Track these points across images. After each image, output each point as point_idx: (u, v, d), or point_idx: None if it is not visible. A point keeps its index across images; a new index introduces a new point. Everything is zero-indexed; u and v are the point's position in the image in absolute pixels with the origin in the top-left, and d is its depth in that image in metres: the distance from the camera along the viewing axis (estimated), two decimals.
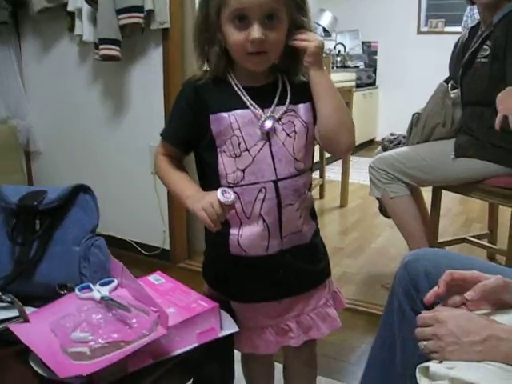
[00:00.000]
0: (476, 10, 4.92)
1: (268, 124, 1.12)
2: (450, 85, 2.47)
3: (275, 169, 1.14)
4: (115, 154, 2.84)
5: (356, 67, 5.96)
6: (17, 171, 3.03)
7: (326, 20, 5.80)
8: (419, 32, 6.16)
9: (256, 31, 1.04)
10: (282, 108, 1.15)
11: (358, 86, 5.60)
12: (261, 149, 1.13)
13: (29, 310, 1.18)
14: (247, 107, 1.13)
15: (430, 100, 2.48)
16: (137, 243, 2.84)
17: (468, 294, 1.01)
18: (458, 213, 3.73)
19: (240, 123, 1.12)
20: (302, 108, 1.17)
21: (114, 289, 1.22)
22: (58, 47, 2.89)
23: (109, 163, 2.87)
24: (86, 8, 2.54)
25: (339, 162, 4.22)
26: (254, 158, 1.13)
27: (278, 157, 1.14)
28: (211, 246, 1.30)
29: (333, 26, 5.90)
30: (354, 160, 4.93)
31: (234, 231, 1.18)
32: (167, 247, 2.78)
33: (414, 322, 1.23)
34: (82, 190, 1.35)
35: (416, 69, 5.77)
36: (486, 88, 2.21)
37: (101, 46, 2.44)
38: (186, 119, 1.17)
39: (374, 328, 2.15)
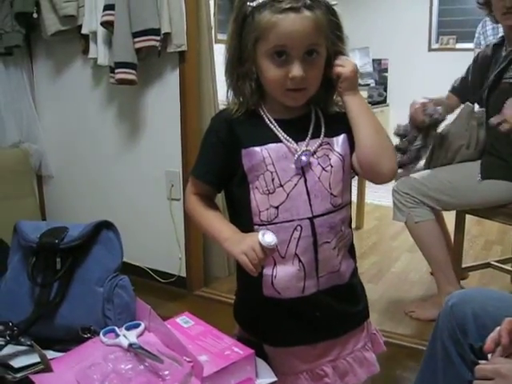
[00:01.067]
0: (489, 27, 4.93)
1: (304, 159, 1.07)
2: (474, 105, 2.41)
3: (311, 205, 1.09)
4: (130, 179, 2.78)
5: (367, 85, 5.91)
6: (29, 195, 2.97)
7: None
8: (430, 49, 6.11)
9: (297, 69, 1.02)
10: (317, 141, 1.10)
11: (369, 103, 5.55)
12: (296, 184, 1.08)
13: (49, 354, 1.11)
14: (280, 141, 1.09)
15: (454, 121, 2.42)
16: (152, 270, 2.77)
17: None
18: (477, 234, 3.65)
19: (273, 158, 1.08)
20: (337, 140, 1.12)
21: (141, 333, 1.15)
22: (71, 70, 2.85)
23: (124, 188, 2.82)
24: (101, 31, 2.50)
25: (354, 182, 4.15)
26: (288, 194, 1.08)
27: (313, 192, 1.09)
28: (243, 286, 1.24)
29: None
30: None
31: (267, 272, 1.12)
32: (183, 274, 2.71)
33: (461, 368, 1.16)
34: (104, 226, 1.28)
35: (427, 86, 5.67)
36: None
37: (117, 70, 2.39)
38: (218, 154, 1.13)
39: (402, 360, 2.09)
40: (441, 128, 2.43)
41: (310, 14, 1.01)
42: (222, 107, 2.98)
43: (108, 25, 2.42)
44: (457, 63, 5.69)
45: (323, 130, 1.11)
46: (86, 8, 2.56)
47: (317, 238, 1.09)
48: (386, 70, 6.19)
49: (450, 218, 2.54)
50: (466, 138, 2.35)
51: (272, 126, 1.10)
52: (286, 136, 1.09)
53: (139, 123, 2.68)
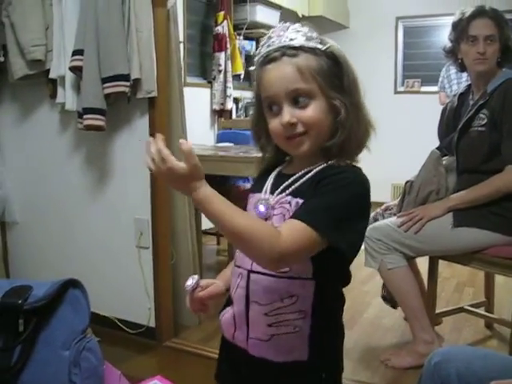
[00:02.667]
0: (452, 71, 5.07)
1: (261, 208, 1.07)
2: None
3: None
4: (97, 226, 2.70)
5: None
6: None
7: None
8: (396, 92, 6.25)
9: (284, 115, 1.02)
10: (284, 197, 1.06)
11: None
12: None
13: None
14: (260, 191, 1.11)
15: (422, 168, 2.44)
16: (120, 320, 2.67)
17: None
18: (448, 276, 3.64)
19: (251, 204, 1.11)
20: (297, 203, 1.03)
21: None
22: (38, 114, 2.79)
23: (90, 236, 2.73)
24: (69, 75, 2.46)
25: None
26: None
27: None
28: None
29: None
30: None
31: (225, 309, 1.15)
32: (152, 325, 2.61)
33: None
34: (71, 285, 1.21)
35: (393, 127, 5.81)
36: (486, 156, 2.21)
37: (85, 116, 2.34)
38: None
39: None
40: (410, 177, 2.45)
41: (289, 59, 1.02)
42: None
43: (76, 70, 2.38)
44: (422, 105, 5.87)
45: (294, 187, 1.06)
46: (55, 52, 2.53)
47: (249, 293, 1.06)
48: None
49: (422, 262, 2.52)
50: (434, 184, 2.36)
51: (269, 176, 1.12)
52: (268, 187, 1.10)
53: (107, 170, 2.62)
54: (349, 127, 1.03)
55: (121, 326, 2.66)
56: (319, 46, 1.03)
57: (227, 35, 4.84)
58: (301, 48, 1.02)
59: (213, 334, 2.70)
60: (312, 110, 1.02)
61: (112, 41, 2.30)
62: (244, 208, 1.11)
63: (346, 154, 1.05)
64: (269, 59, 1.03)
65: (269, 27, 5.23)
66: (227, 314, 1.12)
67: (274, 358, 1.05)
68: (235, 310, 1.09)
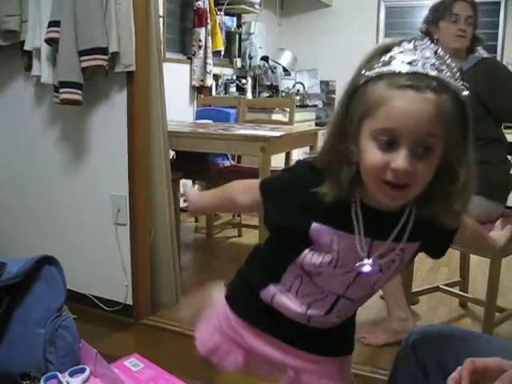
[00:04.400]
0: None
1: (366, 269, 0.99)
2: None
3: (347, 289, 1.06)
4: (74, 202, 2.66)
5: (314, 106, 5.97)
6: None
7: (285, 59, 5.82)
8: None
9: (402, 160, 0.84)
10: (392, 246, 0.99)
11: (316, 124, 5.62)
12: (346, 272, 1.02)
13: None
14: (353, 233, 0.97)
15: None
16: (97, 298, 2.64)
17: None
18: (423, 256, 3.63)
19: (341, 247, 0.98)
20: (410, 247, 1.01)
21: (87, 379, 1.07)
22: (12, 88, 2.72)
23: (67, 212, 2.69)
24: (44, 48, 2.39)
25: None
26: (333, 275, 1.03)
27: (356, 283, 1.04)
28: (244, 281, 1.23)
29: (292, 66, 5.92)
30: None
31: (272, 289, 1.11)
32: (130, 302, 2.59)
33: None
34: (46, 261, 1.19)
35: None
36: None
37: (61, 90, 2.29)
38: (289, 216, 1.01)
39: None
40: None
41: (433, 96, 0.84)
42: (169, 128, 2.87)
43: (52, 42, 2.32)
44: None
45: (406, 236, 0.98)
46: (30, 23, 2.45)
47: (333, 308, 1.09)
48: (333, 92, 6.28)
49: None
50: None
51: (353, 216, 0.96)
52: (362, 229, 0.96)
53: (84, 145, 2.58)
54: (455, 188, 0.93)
55: (97, 303, 2.64)
56: (461, 91, 0.88)
57: (208, 10, 4.76)
58: (446, 86, 0.86)
59: None
60: (430, 167, 0.88)
61: (90, 12, 2.24)
62: (310, 238, 0.99)
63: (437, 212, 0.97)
64: (407, 84, 0.84)
65: (250, 3, 5.19)
66: (284, 302, 1.10)
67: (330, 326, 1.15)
68: (309, 313, 1.10)
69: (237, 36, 5.60)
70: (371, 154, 0.87)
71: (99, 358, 1.06)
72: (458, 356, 1.07)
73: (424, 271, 3.43)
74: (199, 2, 4.71)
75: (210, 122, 3.78)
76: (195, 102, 4.93)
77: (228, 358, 1.22)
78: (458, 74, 0.89)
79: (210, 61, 4.87)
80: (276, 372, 1.23)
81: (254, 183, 1.08)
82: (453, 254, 3.43)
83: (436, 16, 2.40)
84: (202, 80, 4.88)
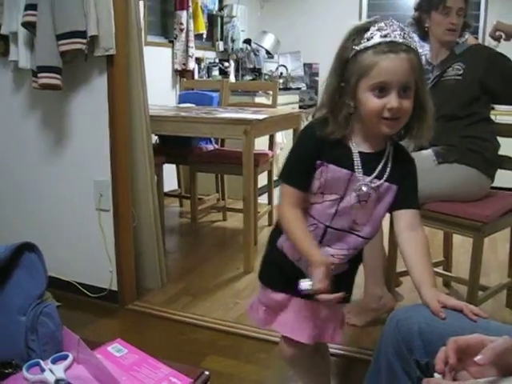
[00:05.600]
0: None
1: (364, 188, 1.31)
2: None
3: (332, 219, 1.34)
4: (56, 188, 2.63)
5: (298, 89, 5.95)
6: None
7: (268, 42, 5.77)
8: None
9: (394, 101, 1.21)
10: (374, 182, 1.32)
11: (300, 107, 5.61)
12: (331, 200, 1.33)
13: None
14: (352, 169, 1.31)
15: None
16: (81, 284, 2.63)
17: (479, 359, 0.92)
18: None
19: (330, 176, 1.30)
20: (385, 187, 1.33)
21: (69, 366, 1.06)
22: None
23: (49, 199, 2.66)
24: (22, 32, 2.35)
25: None
26: (322, 202, 1.33)
27: (340, 213, 1.34)
28: (270, 241, 1.51)
29: (275, 48, 5.88)
30: None
31: (281, 239, 1.44)
32: (114, 288, 2.58)
33: (406, 383, 1.14)
34: (26, 248, 1.17)
35: None
36: (464, 102, 2.33)
37: (40, 75, 2.25)
38: (306, 160, 1.33)
39: (342, 371, 2.07)
40: None
41: (405, 55, 1.21)
42: (152, 112, 2.84)
43: (29, 25, 2.28)
44: None
45: (386, 175, 1.32)
46: (6, 7, 2.40)
47: (323, 240, 1.37)
48: (316, 74, 6.26)
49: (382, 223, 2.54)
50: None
51: (353, 155, 1.31)
52: (359, 165, 1.31)
53: (65, 130, 2.54)
54: (424, 112, 1.30)
55: (82, 289, 2.63)
56: (420, 50, 1.26)
57: None
58: (411, 47, 1.22)
59: (175, 296, 2.70)
60: (410, 101, 1.24)
61: None
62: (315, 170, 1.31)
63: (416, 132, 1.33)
64: (387, 50, 1.19)
65: None
66: (289, 245, 1.40)
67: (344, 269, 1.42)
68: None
69: (219, 19, 5.55)
70: (371, 101, 1.23)
71: (82, 344, 1.05)
72: (441, 333, 1.08)
73: None
74: None
75: (193, 105, 3.76)
76: (178, 86, 4.89)
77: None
78: (414, 37, 1.27)
79: (192, 44, 4.83)
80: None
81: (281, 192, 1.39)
82: (436, 234, 3.46)
83: (429, 5, 2.39)
84: (184, 64, 4.84)
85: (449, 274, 2.85)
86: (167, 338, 2.32)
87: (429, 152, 2.33)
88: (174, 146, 3.63)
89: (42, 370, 1.02)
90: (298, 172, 1.35)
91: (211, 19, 5.36)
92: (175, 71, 4.90)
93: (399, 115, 1.24)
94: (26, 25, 2.29)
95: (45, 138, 2.60)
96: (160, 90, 4.40)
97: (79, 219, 2.61)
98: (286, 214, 1.36)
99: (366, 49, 1.22)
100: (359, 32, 1.24)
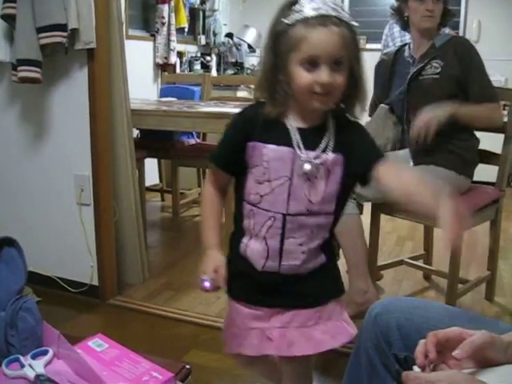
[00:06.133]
0: (396, 29, 5.10)
1: (307, 166, 1.23)
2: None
3: (288, 204, 1.25)
4: (36, 184, 2.61)
5: None
6: None
7: (250, 36, 5.77)
8: None
9: (325, 75, 1.16)
10: (320, 155, 1.24)
11: None
12: (281, 184, 1.24)
13: None
14: (291, 145, 1.24)
15: (371, 121, 2.49)
16: (62, 279, 2.61)
17: (457, 353, 0.93)
18: (389, 230, 3.73)
19: (271, 156, 1.24)
20: (333, 159, 1.25)
21: (50, 361, 1.05)
22: None
23: (29, 193, 2.64)
24: (1, 24, 2.32)
25: None
26: (272, 190, 1.25)
27: (293, 195, 1.25)
28: (231, 249, 1.39)
29: (257, 43, 5.87)
30: None
31: (244, 240, 1.32)
32: (95, 283, 2.57)
33: (385, 377, 1.15)
34: (5, 243, 1.16)
35: None
36: (440, 101, 2.28)
37: (19, 68, 2.23)
38: (233, 142, 1.30)
39: (324, 364, 2.08)
40: None
41: (336, 28, 1.15)
42: (133, 106, 2.84)
43: (9, 18, 2.26)
44: (367, 62, 5.87)
45: (330, 145, 1.25)
46: None
47: (284, 232, 1.27)
48: None
49: (363, 217, 2.55)
50: (382, 138, 2.41)
51: (291, 131, 1.24)
52: (299, 142, 1.24)
53: (45, 124, 2.52)
54: (358, 89, 1.26)
55: (63, 285, 2.61)
56: (353, 23, 1.20)
57: None
58: (341, 20, 1.16)
59: (157, 291, 2.69)
60: (343, 76, 1.19)
61: None
62: (247, 156, 1.26)
63: (351, 110, 1.29)
64: (318, 22, 1.15)
65: None
66: (252, 246, 1.30)
67: (304, 272, 1.31)
68: (269, 245, 1.28)
69: (201, 13, 5.53)
70: (301, 76, 1.18)
71: (62, 339, 1.05)
72: (420, 327, 1.09)
73: (389, 246, 3.49)
74: None
75: (175, 99, 3.74)
76: (159, 80, 4.87)
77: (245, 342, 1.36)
78: (347, 10, 1.21)
79: (173, 38, 4.81)
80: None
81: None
82: (417, 228, 3.50)
83: None
84: (165, 57, 4.82)
85: (429, 267, 2.88)
86: (149, 333, 2.31)
87: (405, 152, 2.35)
88: (156, 140, 3.61)
89: (22, 366, 1.01)
90: (223, 152, 1.33)
91: (193, 13, 5.34)
92: (157, 65, 4.88)
93: (331, 90, 1.19)
94: (5, 17, 2.27)
95: (25, 132, 2.58)
96: (141, 84, 4.38)
97: (60, 214, 2.59)
98: (206, 193, 1.38)
99: (297, 22, 1.17)
100: (291, 5, 1.20)
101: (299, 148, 1.23)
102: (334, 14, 1.16)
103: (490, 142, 2.52)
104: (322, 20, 1.15)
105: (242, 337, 1.36)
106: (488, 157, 2.44)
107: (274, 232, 1.27)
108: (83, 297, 2.57)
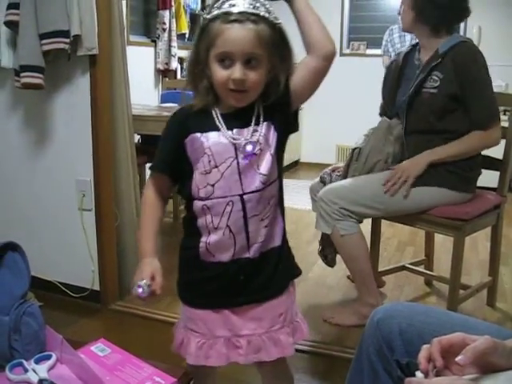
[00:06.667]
0: (395, 35, 5.12)
1: (248, 148, 1.24)
2: (393, 120, 2.46)
3: (241, 184, 1.25)
4: (38, 188, 2.62)
5: None
6: None
7: None
8: (342, 54, 6.25)
9: (237, 71, 1.17)
10: (252, 128, 1.26)
11: None
12: (229, 166, 1.24)
13: None
14: (219, 129, 1.25)
15: (371, 136, 2.44)
16: (63, 284, 2.62)
17: (460, 359, 0.93)
18: (390, 236, 3.74)
19: (211, 143, 1.24)
20: (267, 127, 1.27)
21: (53, 366, 1.06)
22: None
23: (31, 198, 2.65)
24: (4, 31, 2.33)
25: None
26: (222, 174, 1.24)
27: (244, 173, 1.25)
28: (184, 260, 1.39)
29: None
30: None
31: (203, 239, 1.29)
32: (97, 288, 2.58)
33: (387, 383, 1.15)
34: (9, 248, 1.17)
35: (339, 90, 5.83)
36: (436, 117, 2.26)
37: (22, 74, 2.24)
38: (171, 144, 1.30)
39: (325, 370, 2.08)
40: (359, 143, 2.46)
41: (252, 26, 1.17)
42: (134, 112, 2.87)
43: (12, 25, 2.27)
44: (367, 68, 5.90)
45: (261, 118, 1.26)
46: None
47: (246, 212, 1.26)
48: None
49: (364, 223, 2.55)
50: (383, 153, 2.39)
51: (215, 117, 1.26)
52: (223, 125, 1.25)
53: (47, 130, 2.53)
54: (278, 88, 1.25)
55: (64, 289, 2.62)
56: (275, 21, 1.21)
57: None
58: (262, 18, 1.18)
59: (158, 295, 2.69)
60: (258, 74, 1.20)
61: None
62: (187, 152, 1.26)
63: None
64: (233, 19, 1.16)
65: None
66: (215, 239, 1.27)
67: (274, 244, 1.32)
68: (234, 232, 1.26)
69: (202, 19, 5.54)
70: (218, 72, 1.20)
71: (65, 344, 1.05)
72: (422, 332, 1.10)
73: (390, 251, 3.49)
74: None
75: (175, 105, 3.75)
76: (160, 86, 4.89)
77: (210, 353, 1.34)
78: (271, 8, 1.22)
79: (174, 44, 4.83)
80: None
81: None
82: (418, 234, 3.51)
83: None
84: (166, 63, 4.84)
85: (430, 272, 2.88)
86: (151, 338, 2.31)
87: None
88: (156, 146, 3.62)
89: (26, 370, 1.02)
90: (165, 157, 1.33)
91: (194, 19, 5.35)
92: (157, 71, 4.89)
93: (245, 87, 1.20)
94: (8, 24, 2.28)
95: (27, 138, 2.59)
96: (142, 90, 4.39)
97: (61, 219, 2.60)
98: (146, 200, 1.37)
99: (215, 18, 1.18)
100: (216, 2, 1.22)
101: (224, 129, 1.25)
102: (253, 11, 1.17)
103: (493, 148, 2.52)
104: (239, 16, 1.16)
105: (208, 347, 1.33)
106: (489, 162, 2.43)
107: (236, 216, 1.26)
108: (84, 302, 2.58)
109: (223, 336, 1.33)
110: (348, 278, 2.90)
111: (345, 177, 2.45)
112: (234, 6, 1.18)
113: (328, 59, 1.28)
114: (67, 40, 2.23)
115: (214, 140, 1.24)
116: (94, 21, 2.28)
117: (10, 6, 2.25)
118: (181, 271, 1.39)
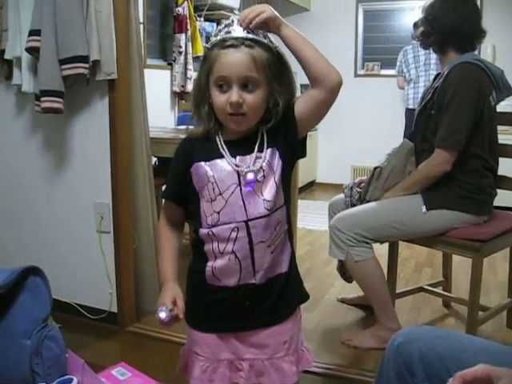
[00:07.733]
0: (410, 55, 5.16)
1: (250, 176, 1.24)
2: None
3: (246, 210, 1.25)
4: (57, 211, 2.65)
5: None
6: None
7: None
8: (356, 75, 6.28)
9: (234, 95, 1.19)
10: (254, 156, 1.27)
11: None
12: (232, 192, 1.25)
13: None
14: (223, 156, 1.26)
15: (393, 156, 2.44)
16: (81, 306, 2.63)
17: None
18: (407, 257, 3.71)
19: (214, 171, 1.26)
20: (272, 154, 1.28)
21: None
22: None
23: (50, 221, 2.68)
24: (25, 56, 2.38)
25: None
26: (226, 201, 1.25)
27: (247, 199, 1.25)
28: (191, 284, 1.40)
29: None
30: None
31: (210, 264, 1.30)
32: (114, 310, 2.59)
33: None
34: (31, 272, 1.18)
35: (353, 111, 5.86)
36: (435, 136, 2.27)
37: (43, 98, 2.28)
38: (178, 174, 1.32)
39: None
40: (382, 162, 2.46)
41: (247, 50, 1.20)
42: (151, 134, 2.91)
43: (33, 51, 2.31)
44: (381, 88, 5.92)
45: (265, 144, 1.27)
46: (10, 32, 2.44)
47: (252, 238, 1.26)
48: None
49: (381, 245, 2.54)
50: (404, 174, 2.39)
51: (219, 144, 1.27)
52: (227, 152, 1.26)
53: (66, 153, 2.57)
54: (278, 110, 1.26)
55: (82, 311, 2.63)
56: (271, 45, 1.24)
57: (188, 16, 4.78)
58: (257, 42, 1.21)
59: (180, 320, 2.69)
60: (256, 97, 1.21)
61: (70, 21, 2.24)
62: (193, 180, 1.28)
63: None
64: (228, 44, 1.20)
65: (230, 9, 5.20)
66: (221, 264, 1.28)
67: (281, 270, 1.33)
68: (240, 257, 1.26)
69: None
70: (217, 97, 1.22)
71: (86, 367, 1.06)
72: (442, 357, 1.09)
73: (408, 272, 3.47)
74: (179, 8, 4.72)
75: (192, 127, 3.78)
76: (176, 108, 4.94)
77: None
78: (267, 35, 1.25)
79: (190, 66, 4.88)
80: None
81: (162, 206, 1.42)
82: (435, 255, 3.48)
83: None
84: (182, 86, 4.89)
85: (449, 294, 2.85)
86: (168, 360, 2.30)
87: (417, 197, 2.30)
88: None
89: None
90: (173, 187, 1.36)
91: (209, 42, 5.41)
92: (174, 93, 4.94)
93: (243, 110, 1.21)
94: (29, 50, 2.32)
95: (46, 161, 2.62)
96: (159, 112, 4.43)
97: (80, 241, 2.62)
98: (160, 229, 1.40)
99: (214, 45, 1.23)
100: (216, 32, 1.27)
101: (228, 156, 1.26)
102: (247, 35, 1.21)
103: (507, 166, 2.52)
104: (235, 41, 1.20)
105: (212, 370, 1.34)
106: (506, 182, 2.43)
107: (241, 243, 1.26)
108: (102, 324, 2.59)
109: (226, 359, 1.35)
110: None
111: (364, 194, 2.46)
112: (229, 32, 1.22)
113: (334, 91, 1.27)
114: (86, 65, 2.28)
115: (218, 167, 1.26)
116: (113, 46, 2.32)
117: (32, 33, 2.29)
118: (188, 294, 1.39)
